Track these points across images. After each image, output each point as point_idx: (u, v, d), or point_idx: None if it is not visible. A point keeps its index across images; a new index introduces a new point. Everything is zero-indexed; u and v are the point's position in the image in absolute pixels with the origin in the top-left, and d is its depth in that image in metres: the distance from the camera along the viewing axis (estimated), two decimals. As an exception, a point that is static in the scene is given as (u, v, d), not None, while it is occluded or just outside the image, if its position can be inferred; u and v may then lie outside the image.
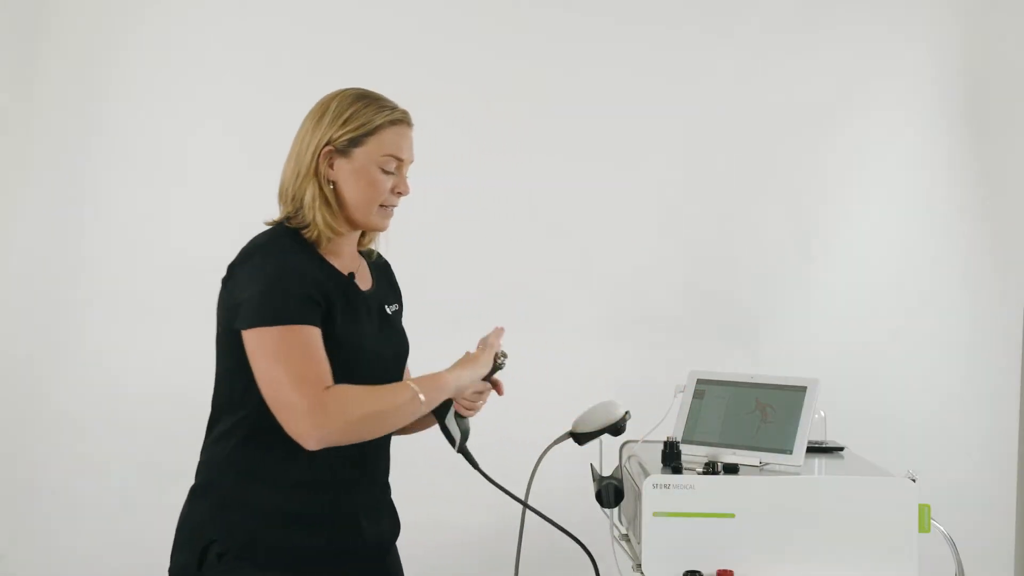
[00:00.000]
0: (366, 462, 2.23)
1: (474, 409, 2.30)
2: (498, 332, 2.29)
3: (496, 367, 2.27)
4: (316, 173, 2.22)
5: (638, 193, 3.76)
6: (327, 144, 2.22)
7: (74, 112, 3.71)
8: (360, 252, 2.37)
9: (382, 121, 2.22)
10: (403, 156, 2.24)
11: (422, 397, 2.15)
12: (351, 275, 2.25)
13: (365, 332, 2.21)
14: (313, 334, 2.10)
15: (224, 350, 2.20)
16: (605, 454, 2.35)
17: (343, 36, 3.71)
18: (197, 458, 3.49)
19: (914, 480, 2.12)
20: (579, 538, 2.24)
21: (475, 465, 2.27)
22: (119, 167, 3.71)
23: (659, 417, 2.29)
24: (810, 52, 3.77)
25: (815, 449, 2.44)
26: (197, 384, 3.62)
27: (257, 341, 2.10)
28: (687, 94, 3.77)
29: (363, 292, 2.27)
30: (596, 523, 2.29)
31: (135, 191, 3.71)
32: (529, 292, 3.69)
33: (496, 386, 2.30)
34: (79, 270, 3.70)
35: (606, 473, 2.27)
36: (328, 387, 2.08)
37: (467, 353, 2.26)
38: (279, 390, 2.09)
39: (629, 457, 2.48)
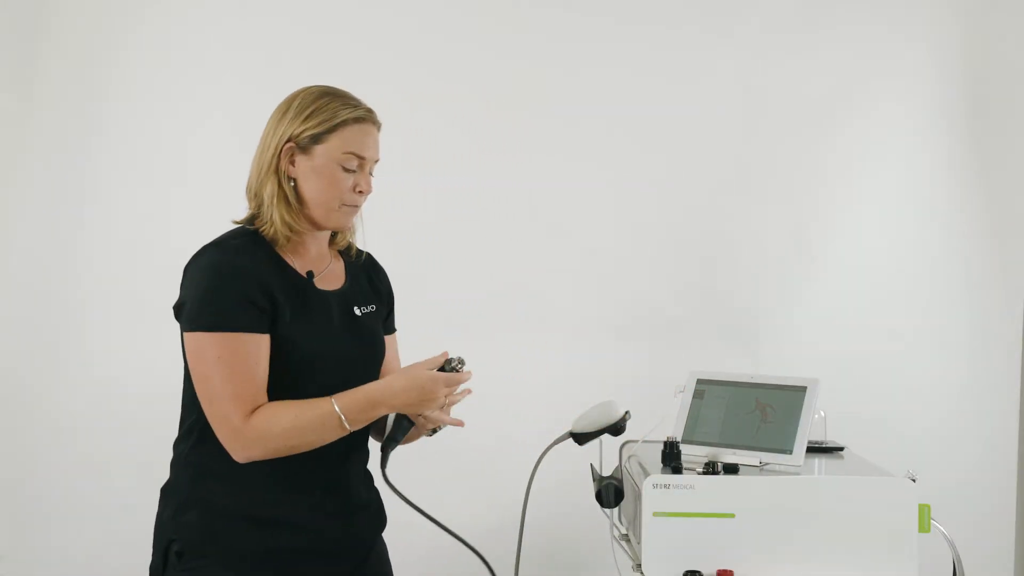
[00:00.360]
0: (327, 461, 2.19)
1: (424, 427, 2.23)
2: (455, 380, 2.16)
3: (447, 369, 2.17)
4: (277, 170, 2.19)
5: (638, 193, 3.76)
6: (288, 140, 2.19)
7: (74, 112, 3.71)
8: (341, 252, 2.35)
9: (344, 118, 2.19)
10: (365, 154, 2.21)
11: (344, 418, 2.09)
12: (310, 274, 2.21)
13: (320, 333, 2.18)
14: (251, 342, 2.08)
15: (183, 350, 2.20)
16: (605, 454, 2.35)
17: (343, 36, 3.70)
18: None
19: (914, 480, 2.12)
20: (478, 549, 2.22)
21: (383, 465, 2.22)
22: (119, 167, 3.71)
23: (659, 417, 2.29)
24: (810, 52, 3.77)
25: (815, 449, 2.44)
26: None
27: (194, 346, 2.11)
28: (687, 94, 3.77)
29: (323, 292, 2.23)
30: (596, 523, 2.29)
31: (135, 191, 3.70)
32: (529, 292, 3.69)
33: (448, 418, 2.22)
34: (79, 270, 3.69)
35: (606, 473, 2.27)
36: (257, 406, 2.06)
37: (415, 373, 2.14)
38: (212, 401, 2.10)
39: (629, 457, 2.48)
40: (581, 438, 2.30)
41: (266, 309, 2.10)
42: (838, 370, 3.44)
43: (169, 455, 3.61)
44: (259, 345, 2.09)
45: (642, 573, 2.10)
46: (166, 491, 2.23)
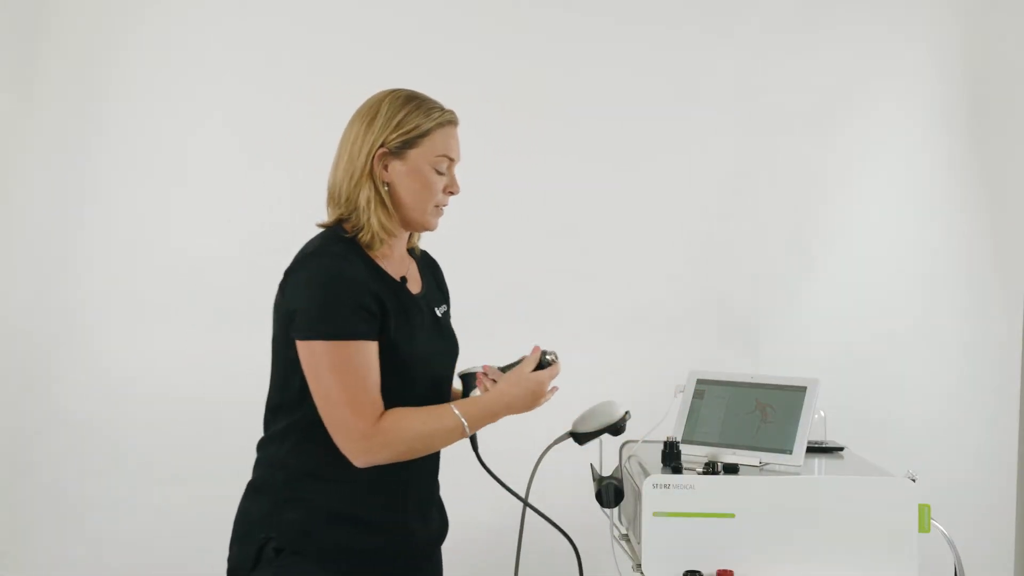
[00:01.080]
0: (419, 463, 2.25)
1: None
2: (555, 373, 2.26)
3: (543, 363, 2.27)
4: (371, 175, 2.24)
5: (637, 193, 3.76)
6: (381, 146, 2.24)
7: (74, 112, 3.71)
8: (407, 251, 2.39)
9: (434, 123, 2.26)
10: (454, 156, 2.29)
11: (467, 427, 2.19)
12: (403, 279, 2.27)
13: (419, 337, 2.24)
14: (367, 349, 2.13)
15: (281, 353, 2.22)
16: (605, 454, 2.35)
17: (343, 36, 3.70)
18: (197, 458, 3.51)
19: (914, 480, 2.12)
20: (571, 537, 2.25)
21: (475, 449, 2.29)
22: (119, 167, 3.71)
23: (659, 417, 2.29)
24: (810, 52, 3.77)
25: (815, 449, 2.44)
26: (197, 384, 3.67)
27: (312, 354, 2.13)
28: (687, 94, 3.77)
29: (415, 296, 2.29)
30: (596, 523, 2.29)
31: (135, 191, 3.71)
32: (529, 292, 3.69)
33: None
34: (79, 270, 3.69)
35: (606, 473, 2.27)
36: (381, 414, 2.12)
37: (525, 387, 2.24)
38: (333, 409, 2.13)
39: (629, 457, 2.49)
40: (581, 438, 2.30)
41: (376, 315, 2.16)
42: (838, 370, 3.45)
43: (170, 455, 3.65)
44: (374, 351, 2.15)
45: (642, 573, 2.10)
46: (257, 489, 2.26)
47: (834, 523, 2.10)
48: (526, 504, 2.25)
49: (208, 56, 3.72)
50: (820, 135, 3.77)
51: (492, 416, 2.22)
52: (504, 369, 2.30)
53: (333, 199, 2.27)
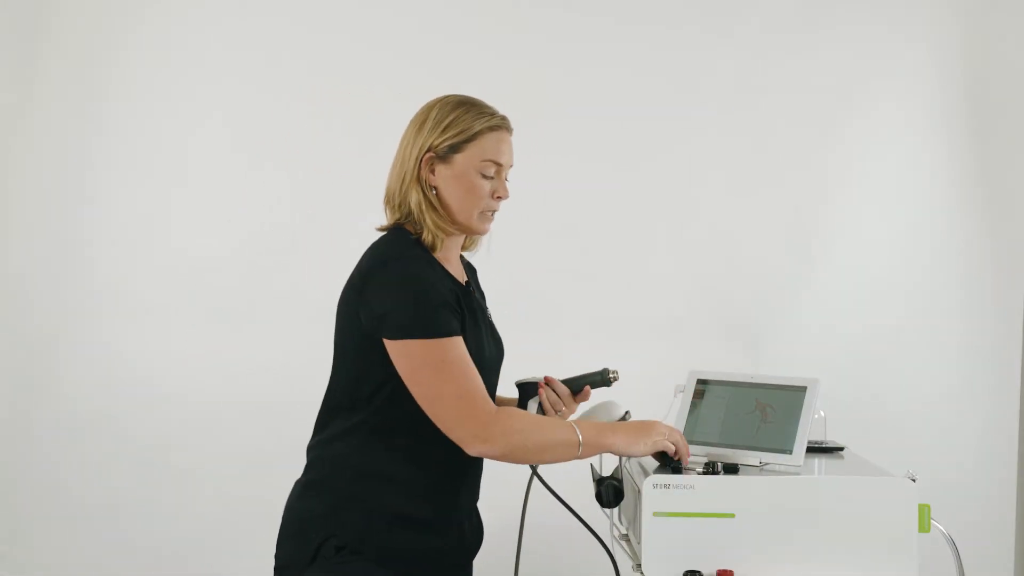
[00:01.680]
0: (472, 469, 2.28)
1: (557, 410, 2.35)
2: (681, 441, 2.24)
3: (606, 381, 2.34)
4: (419, 179, 2.25)
5: (637, 193, 3.76)
6: (428, 150, 2.25)
7: (74, 112, 3.71)
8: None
9: (481, 127, 2.26)
10: (502, 161, 2.28)
11: (581, 443, 2.16)
12: (468, 283, 2.32)
13: (482, 338, 2.26)
14: (462, 344, 2.15)
15: (352, 354, 2.23)
16: (605, 454, 2.34)
17: (343, 36, 3.71)
18: (197, 458, 3.49)
19: (914, 480, 2.12)
20: (600, 537, 2.28)
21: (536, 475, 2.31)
22: (119, 167, 3.71)
23: (659, 417, 2.29)
24: (810, 52, 3.77)
25: (815, 449, 2.44)
26: (197, 384, 3.67)
27: (410, 355, 2.14)
28: (687, 94, 3.77)
29: (476, 298, 2.33)
30: (596, 523, 2.29)
31: (135, 191, 3.71)
32: (529, 292, 3.69)
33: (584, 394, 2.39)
34: (79, 270, 3.70)
35: (606, 473, 2.27)
36: (495, 410, 2.14)
37: (642, 423, 2.23)
38: (446, 403, 2.14)
39: (629, 457, 2.48)
40: (581, 438, 2.30)
41: (459, 314, 2.19)
42: (838, 370, 3.45)
43: (169, 455, 3.65)
44: (465, 347, 2.17)
45: (642, 573, 2.10)
46: (317, 488, 2.25)
47: (834, 523, 2.10)
48: (571, 511, 2.28)
49: (208, 56, 3.72)
50: (820, 135, 3.77)
51: (603, 447, 2.19)
52: (567, 382, 2.35)
53: (389, 202, 2.30)
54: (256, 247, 3.67)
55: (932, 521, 2.13)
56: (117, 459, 3.64)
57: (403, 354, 2.14)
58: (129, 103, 3.71)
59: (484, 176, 2.26)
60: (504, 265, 3.68)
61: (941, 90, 3.78)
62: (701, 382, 2.39)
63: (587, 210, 3.74)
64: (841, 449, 2.51)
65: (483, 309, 2.37)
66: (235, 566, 3.53)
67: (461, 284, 2.28)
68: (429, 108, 2.29)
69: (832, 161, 3.78)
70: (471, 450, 2.14)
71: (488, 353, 2.27)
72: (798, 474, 2.19)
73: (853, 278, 3.76)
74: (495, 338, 2.37)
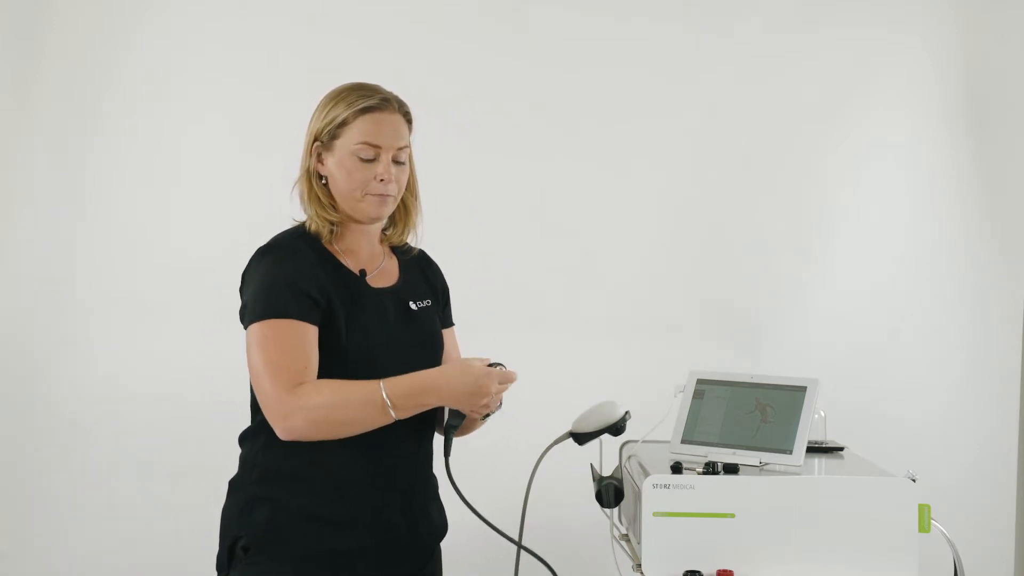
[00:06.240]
0: (393, 463, 2.23)
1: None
2: (509, 378, 2.21)
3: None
4: (309, 170, 2.27)
5: (637, 193, 3.76)
6: (315, 140, 2.27)
7: (74, 112, 3.71)
8: (395, 250, 2.38)
9: (350, 111, 2.24)
10: (379, 143, 2.24)
11: (387, 398, 2.10)
12: (362, 272, 2.25)
13: (374, 329, 2.22)
14: (300, 328, 2.11)
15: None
16: (605, 454, 2.35)
17: (343, 36, 3.70)
18: (197, 458, 3.51)
19: (914, 480, 2.12)
20: (540, 555, 2.24)
21: (446, 453, 2.24)
22: (119, 167, 3.71)
23: (659, 417, 2.29)
24: (810, 52, 3.76)
25: (815, 449, 2.44)
26: (196, 384, 3.66)
27: (248, 338, 2.16)
28: (687, 94, 3.77)
29: (376, 289, 2.27)
30: (596, 523, 2.29)
31: (135, 191, 3.70)
32: (529, 292, 3.69)
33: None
34: (79, 270, 3.69)
35: (606, 473, 2.27)
36: (303, 382, 2.08)
37: (469, 371, 2.17)
38: (257, 380, 2.13)
39: (629, 457, 2.48)
40: (581, 438, 2.30)
41: (319, 302, 2.15)
42: (838, 370, 3.45)
43: (170, 455, 3.65)
44: (306, 332, 2.12)
45: (642, 573, 2.10)
46: (232, 487, 2.27)
47: (834, 523, 2.10)
48: (485, 521, 2.23)
49: (208, 56, 3.71)
50: (820, 135, 3.77)
51: (422, 393, 2.13)
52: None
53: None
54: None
55: (932, 521, 2.13)
56: (116, 459, 3.63)
57: (246, 341, 2.15)
58: (129, 103, 3.71)
59: (362, 159, 2.23)
60: (504, 265, 3.72)
61: (941, 90, 3.78)
62: (701, 382, 2.40)
63: (586, 210, 3.74)
64: (841, 449, 2.51)
65: (398, 299, 2.29)
66: (235, 566, 3.53)
67: (351, 273, 2.24)
68: (324, 96, 2.30)
69: (832, 161, 3.78)
70: (279, 432, 2.09)
71: (386, 347, 2.21)
72: (798, 474, 2.19)
73: (853, 278, 3.76)
74: (413, 327, 2.29)
